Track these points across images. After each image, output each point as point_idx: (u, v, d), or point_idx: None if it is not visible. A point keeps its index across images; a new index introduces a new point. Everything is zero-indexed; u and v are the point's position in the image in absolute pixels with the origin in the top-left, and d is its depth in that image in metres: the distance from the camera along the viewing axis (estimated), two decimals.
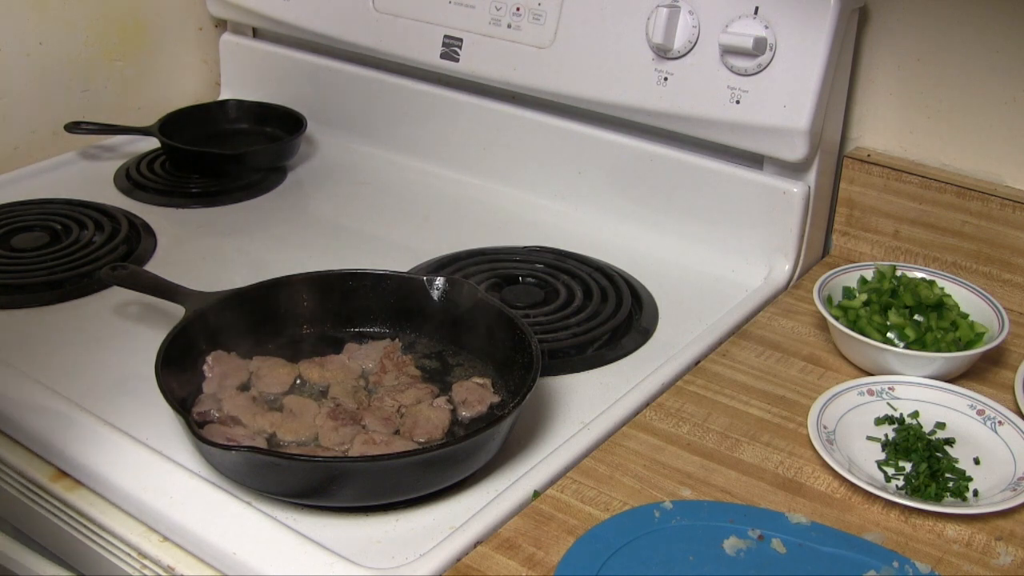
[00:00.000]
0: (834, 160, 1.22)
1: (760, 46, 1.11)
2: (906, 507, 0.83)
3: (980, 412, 0.94)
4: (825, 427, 0.91)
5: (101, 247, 1.19)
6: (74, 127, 1.42)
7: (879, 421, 0.94)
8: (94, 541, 0.85)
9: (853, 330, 1.00)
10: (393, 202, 1.36)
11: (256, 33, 1.59)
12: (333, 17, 1.43)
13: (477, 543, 0.79)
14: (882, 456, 0.90)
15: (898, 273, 1.08)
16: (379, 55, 1.42)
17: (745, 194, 1.18)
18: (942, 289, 1.06)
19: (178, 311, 0.97)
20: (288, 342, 1.00)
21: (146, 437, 0.88)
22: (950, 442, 0.92)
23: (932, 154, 1.19)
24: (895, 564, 0.77)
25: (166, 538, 0.81)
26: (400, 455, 0.81)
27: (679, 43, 1.16)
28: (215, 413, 0.89)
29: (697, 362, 1.03)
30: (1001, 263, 1.13)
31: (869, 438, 0.92)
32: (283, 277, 1.02)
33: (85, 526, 0.85)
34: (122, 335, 1.05)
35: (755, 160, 1.19)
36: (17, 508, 0.91)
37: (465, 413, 0.91)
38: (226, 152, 1.44)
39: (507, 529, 0.80)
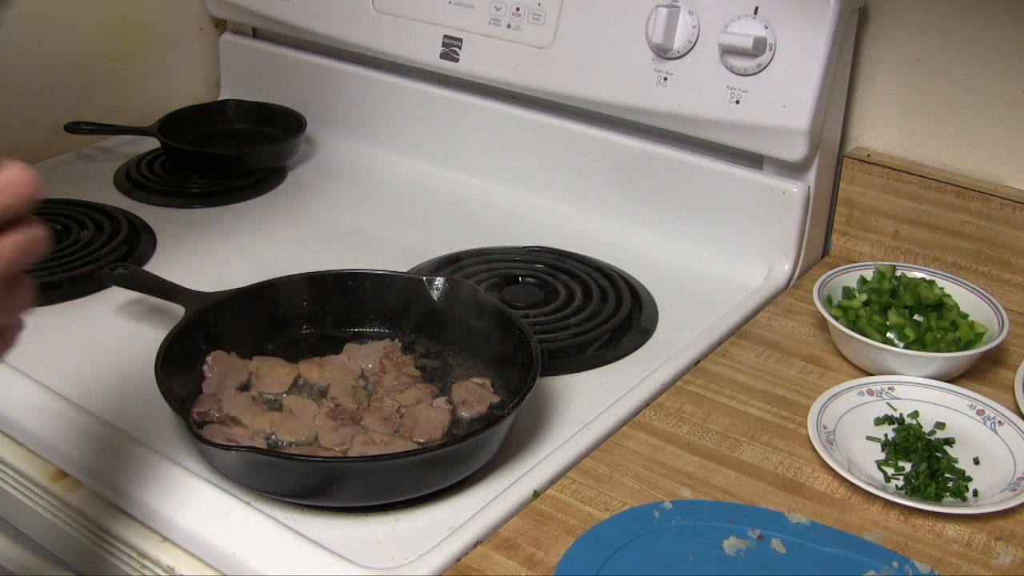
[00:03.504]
0: (834, 160, 1.22)
1: (760, 46, 1.11)
2: (906, 507, 0.83)
3: (980, 412, 0.94)
4: (825, 427, 0.91)
5: (101, 247, 1.19)
6: (74, 127, 1.42)
7: (879, 421, 0.94)
8: (94, 541, 0.84)
9: (853, 330, 1.00)
10: (393, 202, 1.36)
11: (256, 33, 1.59)
12: (333, 17, 1.43)
13: (477, 543, 0.79)
14: (882, 456, 0.90)
15: (898, 273, 1.08)
16: (379, 55, 1.42)
17: (745, 194, 1.18)
18: (942, 289, 1.06)
19: (178, 311, 0.97)
20: (288, 342, 1.00)
21: (146, 437, 0.88)
22: (950, 442, 0.92)
23: (932, 154, 1.19)
24: (895, 564, 0.77)
25: (166, 538, 0.81)
26: (400, 455, 0.81)
27: (679, 43, 1.17)
28: (215, 413, 0.89)
29: (697, 362, 1.03)
30: (1001, 263, 1.13)
31: (869, 438, 0.92)
32: (283, 277, 1.02)
33: (85, 526, 0.85)
34: (122, 335, 1.05)
35: (755, 160, 1.19)
36: (17, 508, 0.91)
37: (465, 413, 0.91)
38: (226, 152, 1.44)
39: (507, 529, 0.80)
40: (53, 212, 1.27)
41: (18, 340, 0.57)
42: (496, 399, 0.92)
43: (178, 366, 0.90)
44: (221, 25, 1.62)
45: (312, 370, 0.95)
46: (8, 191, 0.50)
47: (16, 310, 0.54)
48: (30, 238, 0.52)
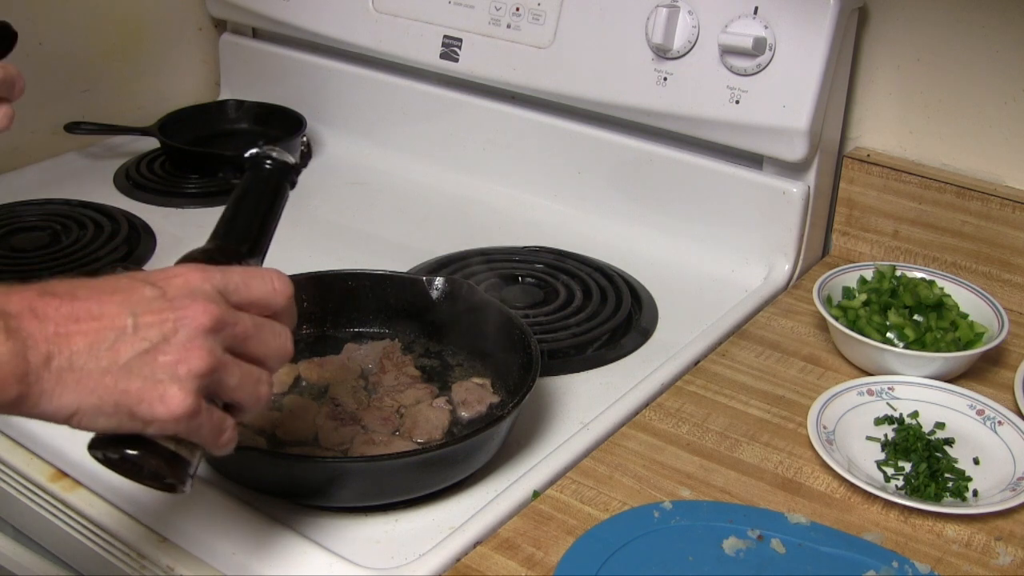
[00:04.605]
0: (834, 160, 1.22)
1: (760, 46, 1.11)
2: (905, 507, 0.83)
3: (980, 412, 0.94)
4: (825, 427, 0.91)
5: (101, 247, 1.19)
6: (74, 127, 1.42)
7: (879, 421, 0.94)
8: (94, 541, 0.85)
9: (853, 330, 1.00)
10: (393, 202, 1.36)
11: (256, 33, 1.59)
12: (333, 17, 1.43)
13: (477, 543, 0.79)
14: (882, 456, 0.90)
15: (898, 273, 1.08)
16: (379, 55, 1.42)
17: (745, 194, 1.18)
18: (942, 289, 1.06)
19: None
20: None
21: None
22: (950, 442, 0.92)
23: (932, 154, 1.19)
24: (894, 564, 0.77)
25: (166, 538, 0.81)
26: (399, 455, 0.81)
27: (679, 43, 1.17)
28: None
29: (697, 362, 1.03)
30: (1001, 263, 1.13)
31: (869, 438, 0.92)
32: None
33: (85, 526, 0.85)
34: None
35: (755, 160, 1.19)
36: (17, 508, 0.91)
37: (464, 413, 0.91)
38: (226, 152, 1.44)
39: (507, 529, 0.80)
40: (53, 212, 1.27)
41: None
42: (496, 399, 0.92)
43: None
44: (221, 25, 1.62)
45: (312, 370, 0.95)
46: (277, 294, 0.68)
47: (251, 391, 0.65)
48: (280, 332, 0.67)
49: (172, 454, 0.64)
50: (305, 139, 0.77)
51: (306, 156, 0.83)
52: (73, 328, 0.59)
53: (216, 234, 0.75)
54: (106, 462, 0.64)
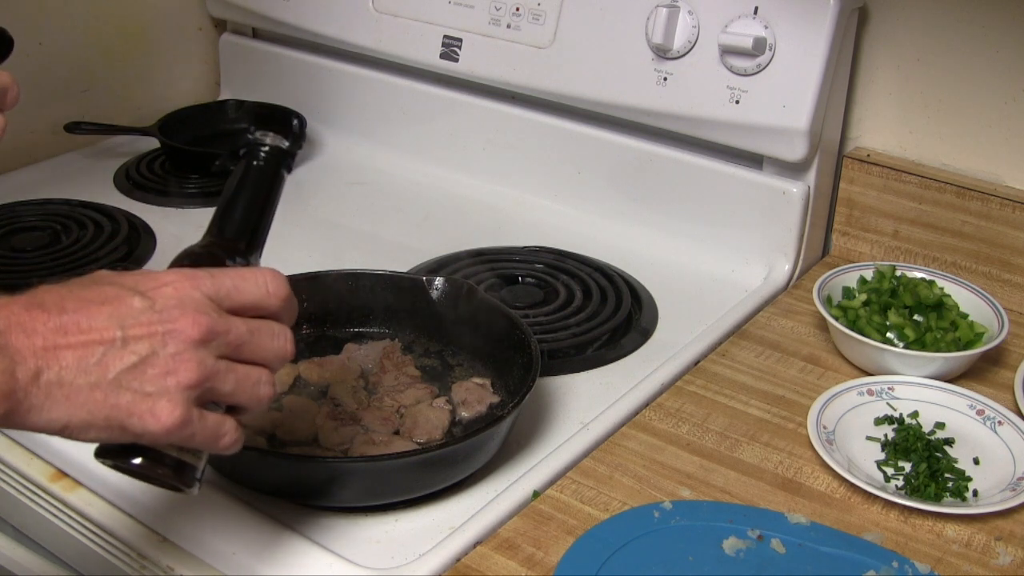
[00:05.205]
0: (834, 160, 1.22)
1: (760, 46, 1.11)
2: (905, 507, 0.83)
3: (980, 412, 0.94)
4: (825, 427, 0.92)
5: (101, 247, 1.19)
6: (74, 127, 1.42)
7: (879, 421, 0.94)
8: (94, 541, 0.85)
9: (853, 330, 1.00)
10: (393, 202, 1.36)
11: (256, 33, 1.59)
12: (333, 17, 1.43)
13: (477, 543, 0.79)
14: (882, 456, 0.90)
15: (898, 273, 1.08)
16: (379, 55, 1.42)
17: (745, 194, 1.18)
18: (942, 289, 1.06)
19: None
20: None
21: None
22: (950, 442, 0.92)
23: (932, 154, 1.19)
24: (894, 564, 0.77)
25: (165, 538, 0.81)
26: (399, 455, 0.81)
27: (679, 43, 1.17)
28: None
29: (697, 362, 1.03)
30: (1001, 263, 1.13)
31: (869, 438, 0.92)
32: None
33: (85, 526, 0.85)
34: None
35: (755, 160, 1.19)
36: (17, 508, 0.91)
37: (464, 413, 0.91)
38: (226, 152, 1.44)
39: (507, 529, 0.80)
40: (53, 212, 1.27)
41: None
42: (496, 399, 0.92)
43: None
44: (221, 25, 1.62)
45: (312, 370, 0.95)
46: (271, 296, 0.67)
47: (249, 394, 0.65)
48: (279, 333, 0.67)
49: (176, 461, 0.64)
50: (297, 121, 0.77)
51: (299, 137, 0.81)
52: (61, 342, 0.59)
53: (213, 228, 0.74)
54: (115, 467, 0.65)
